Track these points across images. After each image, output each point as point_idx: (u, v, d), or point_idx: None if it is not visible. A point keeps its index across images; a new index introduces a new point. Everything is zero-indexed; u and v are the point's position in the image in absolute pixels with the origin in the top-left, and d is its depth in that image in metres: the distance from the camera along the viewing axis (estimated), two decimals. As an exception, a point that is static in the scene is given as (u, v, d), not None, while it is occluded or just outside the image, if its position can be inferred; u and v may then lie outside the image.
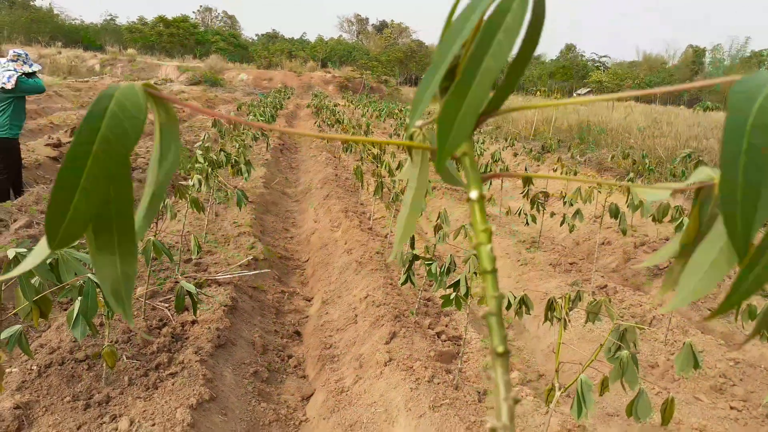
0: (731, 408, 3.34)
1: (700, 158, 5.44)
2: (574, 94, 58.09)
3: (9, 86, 5.75)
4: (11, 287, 3.99)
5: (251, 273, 4.68)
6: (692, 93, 63.44)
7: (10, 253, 1.60)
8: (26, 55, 6.13)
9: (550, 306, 2.20)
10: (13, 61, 5.96)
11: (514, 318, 4.66)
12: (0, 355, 1.75)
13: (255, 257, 5.00)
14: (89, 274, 1.88)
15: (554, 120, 17.88)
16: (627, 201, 4.89)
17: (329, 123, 14.58)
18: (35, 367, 2.81)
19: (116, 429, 2.46)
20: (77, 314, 2.14)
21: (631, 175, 7.82)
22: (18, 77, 5.83)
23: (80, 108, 15.99)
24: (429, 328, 3.97)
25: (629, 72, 63.19)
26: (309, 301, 4.88)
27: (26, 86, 5.90)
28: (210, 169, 4.83)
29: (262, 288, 4.69)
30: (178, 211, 5.53)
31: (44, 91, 6.35)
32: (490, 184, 7.35)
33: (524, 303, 2.56)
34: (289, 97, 26.59)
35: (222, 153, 5.46)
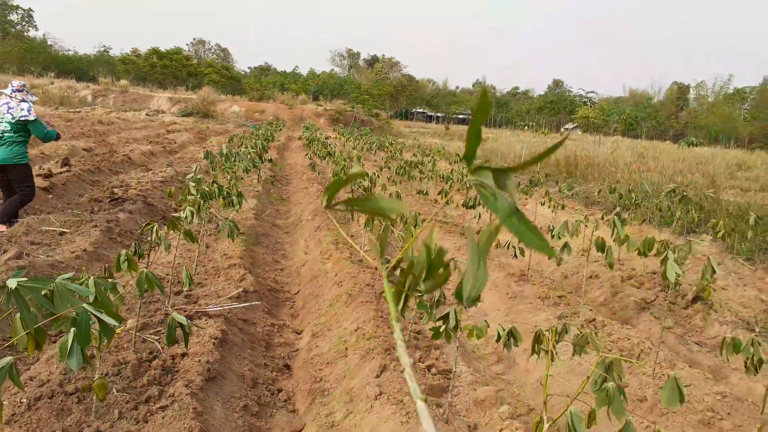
0: (719, 442, 3.37)
1: (684, 192, 5.56)
2: (562, 129, 59.02)
3: (32, 117, 6.29)
4: (3, 318, 3.97)
5: (241, 306, 4.69)
6: (677, 128, 64.67)
7: (11, 284, 1.62)
8: (25, 86, 6.49)
9: (538, 339, 2.25)
10: (19, 91, 6.37)
11: (503, 351, 4.68)
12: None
13: (245, 289, 5.01)
14: (84, 305, 1.91)
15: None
16: (613, 235, 4.98)
17: (320, 155, 14.71)
18: (24, 400, 2.79)
19: (105, 463, 2.44)
20: (71, 344, 2.16)
21: (618, 209, 7.95)
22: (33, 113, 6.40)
23: (71, 139, 16.04)
24: (419, 361, 3.99)
25: (615, 107, 64.43)
26: (299, 333, 4.88)
27: (40, 126, 6.45)
28: (202, 201, 4.87)
29: (252, 320, 4.70)
30: (170, 243, 5.55)
31: (54, 138, 6.76)
32: (479, 216, 7.43)
33: (512, 335, 2.60)
34: (280, 129, 26.82)
35: (215, 185, 5.51)
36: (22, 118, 6.28)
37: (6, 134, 6.24)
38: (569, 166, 16.19)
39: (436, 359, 4.08)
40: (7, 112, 6.25)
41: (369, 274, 5.76)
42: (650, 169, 15.46)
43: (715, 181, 13.50)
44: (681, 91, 74.18)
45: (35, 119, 6.36)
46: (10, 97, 6.36)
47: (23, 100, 6.36)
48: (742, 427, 3.49)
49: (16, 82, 6.47)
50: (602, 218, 7.31)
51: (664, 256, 3.69)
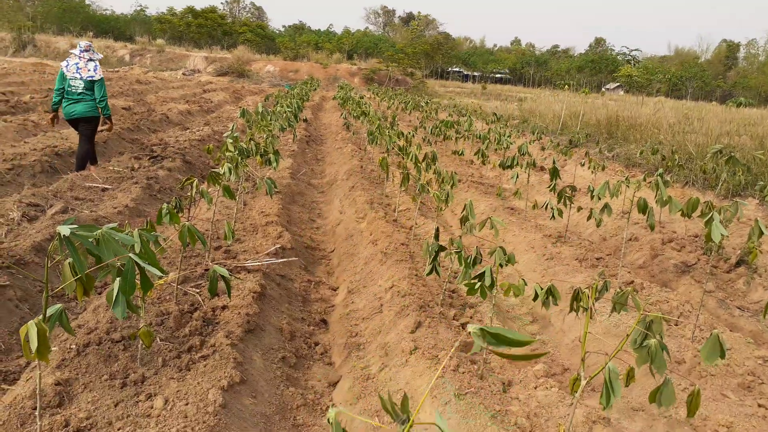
0: (759, 406, 3.31)
1: (732, 154, 5.33)
2: (603, 89, 57.23)
3: (97, 77, 7.06)
4: (53, 268, 4.13)
5: (279, 261, 4.76)
6: (725, 89, 62.03)
7: (64, 230, 1.66)
8: (90, 45, 7.24)
9: (577, 296, 2.22)
10: (86, 51, 7.10)
11: (540, 309, 4.67)
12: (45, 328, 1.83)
13: (282, 246, 5.08)
14: (130, 254, 1.95)
15: (582, 114, 17.67)
16: (656, 196, 4.85)
17: (355, 115, 14.63)
18: (74, 347, 2.91)
19: (152, 407, 2.54)
20: (117, 294, 2.22)
21: (660, 170, 7.73)
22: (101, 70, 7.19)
23: (110, 97, 16.29)
24: (454, 319, 4.01)
25: (660, 66, 62.00)
26: (335, 290, 4.95)
27: (103, 88, 7.18)
28: (240, 158, 4.91)
29: (289, 276, 4.77)
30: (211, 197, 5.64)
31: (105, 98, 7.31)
32: (517, 176, 7.31)
33: (551, 294, 2.57)
34: (315, 89, 26.70)
35: (252, 142, 5.54)
36: (89, 78, 7.02)
37: (81, 92, 7.01)
38: (610, 127, 15.73)
39: (471, 317, 4.10)
40: (76, 72, 6.98)
41: (403, 233, 5.77)
42: (695, 130, 14.90)
43: (764, 143, 12.96)
44: (730, 49, 70.83)
45: (100, 78, 7.11)
46: (79, 57, 7.04)
47: (90, 59, 7.09)
48: (784, 391, 3.42)
49: (83, 43, 7.17)
50: (644, 179, 7.11)
51: (708, 217, 3.57)
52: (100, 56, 7.40)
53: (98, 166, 7.41)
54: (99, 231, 1.88)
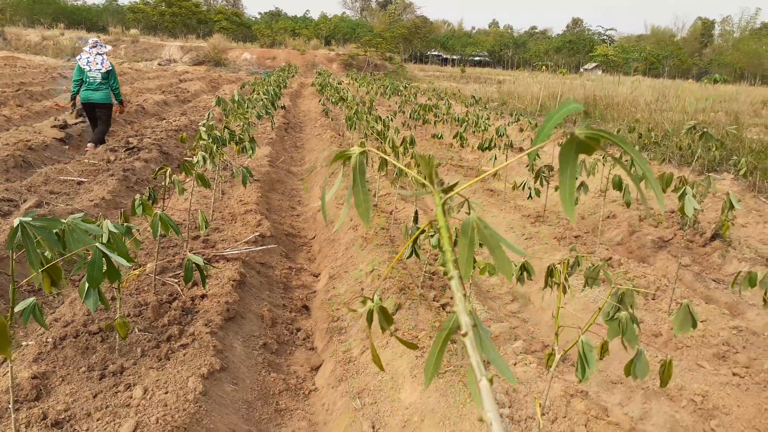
0: (734, 374, 3.39)
1: (705, 129, 5.39)
2: (581, 69, 57.46)
3: (104, 69, 8.14)
4: (24, 261, 4.07)
5: (259, 249, 4.74)
6: (701, 66, 62.59)
7: (15, 222, 1.64)
8: (98, 41, 8.34)
9: (550, 272, 2.24)
10: (93, 47, 8.19)
11: (520, 288, 4.72)
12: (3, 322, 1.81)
13: (262, 234, 5.06)
14: (97, 244, 1.93)
15: (560, 95, 17.75)
16: (632, 173, 4.91)
17: (333, 101, 14.54)
18: (50, 340, 2.88)
19: (131, 397, 2.53)
20: (87, 285, 2.20)
21: (637, 148, 7.81)
22: (109, 61, 8.29)
23: (85, 89, 15.99)
24: (434, 300, 4.03)
25: (636, 45, 62.38)
26: (316, 276, 4.94)
27: (114, 77, 8.34)
28: (214, 146, 4.86)
29: (269, 264, 4.76)
30: (185, 189, 5.58)
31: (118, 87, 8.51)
32: (495, 158, 7.35)
33: (525, 269, 2.60)
34: (293, 76, 26.47)
35: (226, 130, 5.49)
36: (98, 70, 8.12)
37: (100, 82, 8.14)
38: (587, 106, 15.83)
39: (451, 298, 4.12)
40: (87, 65, 8.06)
41: (384, 217, 5.77)
42: (672, 108, 15.05)
43: (738, 118, 13.13)
44: (705, 27, 71.38)
45: (111, 68, 8.25)
46: (89, 53, 8.15)
47: (98, 54, 8.17)
48: (757, 359, 3.50)
49: (92, 39, 8.31)
50: (620, 158, 7.19)
51: (682, 191, 3.62)
52: (108, 48, 8.44)
53: (96, 147, 8.21)
54: (64, 222, 1.85)
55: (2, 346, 1.50)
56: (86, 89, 8.11)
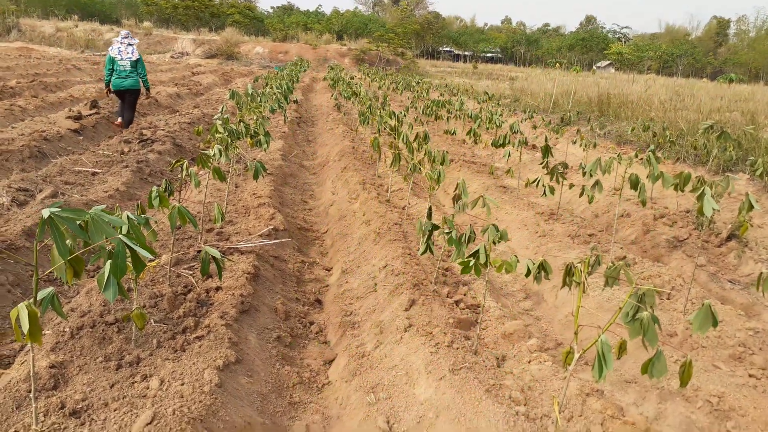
0: (750, 376, 3.36)
1: (723, 129, 5.34)
2: (594, 67, 57.04)
3: (134, 57, 9.10)
4: (45, 252, 4.10)
5: (272, 242, 4.75)
6: (715, 65, 61.97)
7: (45, 213, 1.65)
8: (129, 33, 9.33)
9: (569, 271, 2.22)
10: (125, 38, 9.13)
11: (533, 286, 4.69)
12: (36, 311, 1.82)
13: (275, 227, 5.06)
14: (120, 236, 1.93)
15: (574, 92, 17.63)
16: (648, 172, 4.86)
17: (346, 95, 14.53)
18: (68, 330, 2.90)
19: (147, 388, 2.55)
20: (108, 276, 2.21)
21: (652, 147, 7.74)
22: (138, 52, 9.23)
23: (98, 81, 16.08)
24: (448, 296, 4.02)
25: (651, 44, 61.80)
26: (329, 270, 4.95)
27: (142, 62, 9.35)
28: (230, 140, 4.87)
29: (282, 257, 4.77)
30: (200, 181, 5.61)
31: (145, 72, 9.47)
32: (509, 155, 7.31)
33: (543, 268, 2.58)
34: (305, 70, 26.47)
35: (241, 124, 5.49)
36: (129, 59, 9.06)
37: (129, 70, 9.06)
38: (601, 105, 15.72)
39: (464, 295, 4.11)
40: (118, 54, 8.99)
41: (396, 213, 5.76)
42: (686, 107, 14.90)
43: (755, 118, 12.98)
44: (720, 26, 70.62)
45: (139, 57, 9.22)
46: (120, 43, 9.07)
47: (129, 44, 9.10)
48: (773, 362, 3.46)
49: (123, 32, 9.28)
50: (635, 156, 7.13)
51: (700, 191, 3.58)
52: (137, 41, 9.46)
53: (127, 128, 9.27)
54: (88, 213, 1.86)
55: (34, 334, 1.52)
56: (117, 77, 9.04)
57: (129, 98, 9.32)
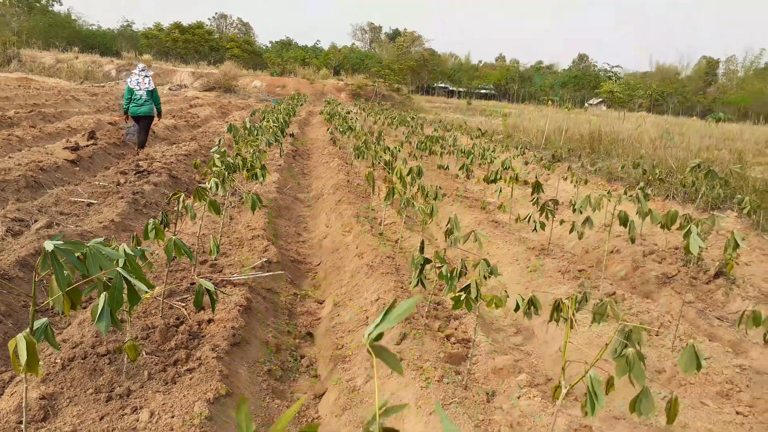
0: (737, 413, 3.38)
1: (710, 168, 5.48)
2: (586, 104, 57.98)
3: (150, 87, 10.25)
4: (28, 282, 4.11)
5: (266, 274, 4.78)
6: (705, 104, 63.08)
7: (48, 246, 1.70)
8: (145, 66, 10.49)
9: (557, 307, 2.27)
10: (142, 70, 10.30)
11: (523, 321, 4.72)
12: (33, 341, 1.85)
13: (268, 260, 5.10)
14: (117, 268, 1.98)
15: (565, 130, 17.91)
16: (637, 209, 4.95)
17: (341, 130, 14.71)
18: (59, 361, 2.91)
19: (137, 420, 2.55)
20: (102, 308, 2.24)
21: (641, 184, 7.87)
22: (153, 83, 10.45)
23: (96, 112, 16.23)
24: (439, 330, 4.05)
25: (641, 82, 62.96)
26: (321, 303, 4.97)
27: (156, 91, 10.46)
28: (226, 173, 4.94)
29: (275, 290, 4.79)
30: (195, 213, 5.65)
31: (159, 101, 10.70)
32: (501, 191, 7.42)
33: (532, 304, 2.63)
34: (302, 104, 26.80)
35: (238, 157, 5.58)
36: (146, 89, 10.18)
37: (145, 99, 10.18)
38: (593, 142, 15.97)
39: (455, 329, 4.14)
40: (137, 85, 10.09)
41: (389, 246, 5.81)
42: (676, 145, 15.17)
43: (742, 157, 13.22)
44: (710, 65, 72.14)
45: (154, 88, 10.37)
46: (138, 74, 10.19)
47: (146, 76, 10.23)
48: (760, 399, 3.49)
49: (140, 65, 10.44)
50: (625, 193, 7.25)
51: (687, 229, 3.66)
52: (152, 73, 10.94)
53: (141, 150, 10.43)
54: (87, 246, 1.91)
55: (32, 365, 1.54)
56: (135, 105, 10.15)
57: (144, 123, 10.46)
